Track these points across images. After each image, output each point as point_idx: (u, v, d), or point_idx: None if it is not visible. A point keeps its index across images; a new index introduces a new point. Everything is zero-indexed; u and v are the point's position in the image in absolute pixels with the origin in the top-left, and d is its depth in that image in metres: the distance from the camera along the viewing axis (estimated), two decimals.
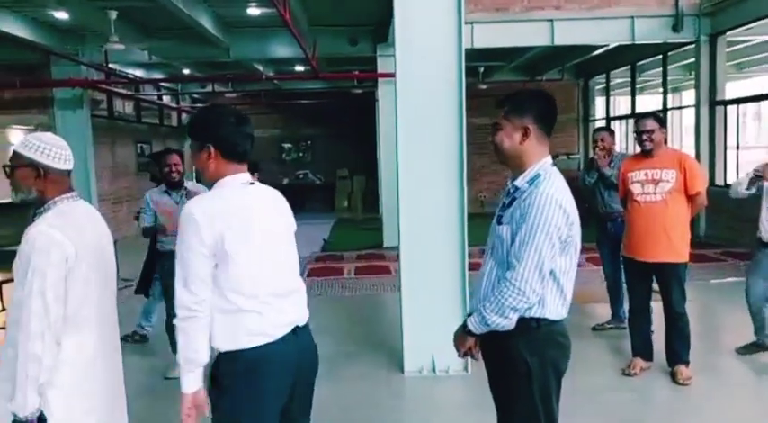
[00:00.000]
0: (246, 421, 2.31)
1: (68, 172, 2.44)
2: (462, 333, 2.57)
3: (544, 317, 2.42)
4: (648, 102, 19.22)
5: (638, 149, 4.79)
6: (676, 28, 10.19)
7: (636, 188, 4.66)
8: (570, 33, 10.38)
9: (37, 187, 2.36)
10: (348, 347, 5.71)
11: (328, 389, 4.83)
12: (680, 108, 13.17)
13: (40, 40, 9.26)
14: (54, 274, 2.21)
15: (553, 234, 2.32)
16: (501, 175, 15.82)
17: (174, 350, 2.49)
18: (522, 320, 2.39)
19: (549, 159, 2.47)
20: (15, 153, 2.37)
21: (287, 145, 19.73)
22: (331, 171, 18.57)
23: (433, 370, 5.05)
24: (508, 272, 2.37)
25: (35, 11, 8.75)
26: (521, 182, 2.46)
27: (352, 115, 18.29)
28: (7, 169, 2.40)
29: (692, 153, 10.43)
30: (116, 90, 12.63)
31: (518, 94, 2.54)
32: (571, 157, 16.93)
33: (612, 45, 11.81)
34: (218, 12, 9.66)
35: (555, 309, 2.44)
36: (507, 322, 2.38)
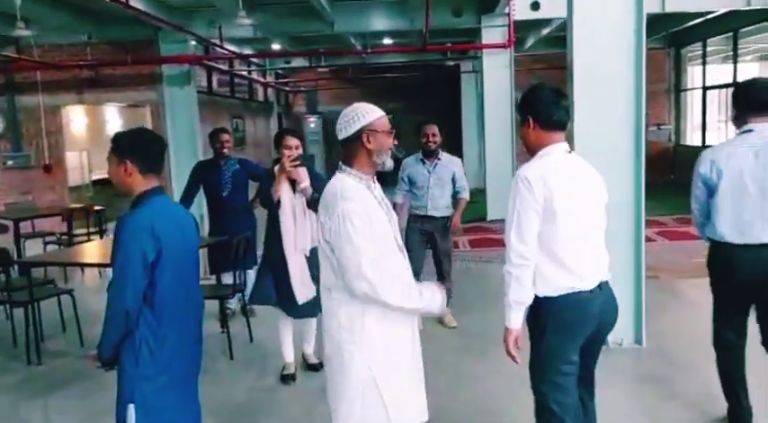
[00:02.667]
0: (556, 356, 2.71)
1: None
2: None
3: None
4: (744, 70, 18.50)
5: None
6: None
7: None
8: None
9: None
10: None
11: (493, 360, 4.83)
12: None
13: (155, 14, 9.35)
14: None
15: None
16: None
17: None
18: None
19: None
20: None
21: None
22: (413, 145, 18.47)
23: (605, 342, 4.99)
24: None
25: None
26: None
27: (433, 89, 18.13)
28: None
29: None
30: (217, 66, 12.80)
31: None
32: (662, 127, 16.51)
33: (721, 11, 11.39)
34: None
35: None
36: None
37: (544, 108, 2.71)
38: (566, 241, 2.62)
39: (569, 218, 2.60)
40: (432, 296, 2.52)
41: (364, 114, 2.48)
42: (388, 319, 2.46)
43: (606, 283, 2.78)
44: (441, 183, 5.51)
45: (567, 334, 2.67)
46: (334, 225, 2.35)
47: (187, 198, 5.93)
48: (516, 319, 2.66)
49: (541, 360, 2.73)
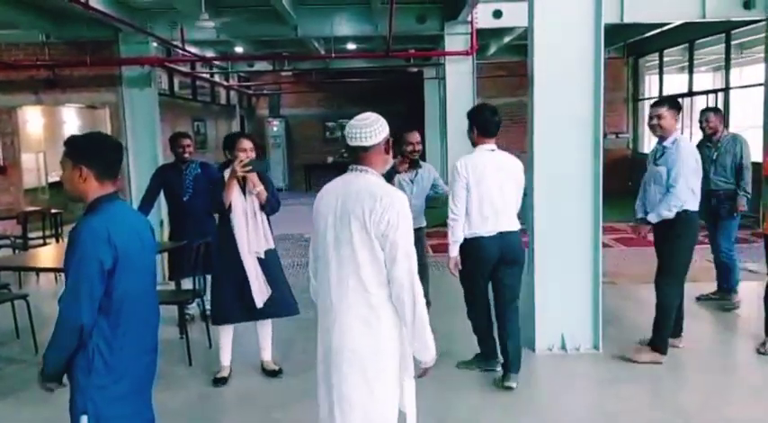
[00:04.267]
0: (469, 276, 4.51)
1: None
2: (640, 224, 4.90)
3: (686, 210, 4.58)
4: (698, 80, 18.93)
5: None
6: (747, 5, 10.07)
7: None
8: (640, 10, 10.29)
9: None
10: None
11: (454, 361, 4.85)
12: (745, 87, 13.00)
13: (115, 15, 9.18)
14: None
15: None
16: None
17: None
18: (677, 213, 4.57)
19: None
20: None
21: (330, 123, 19.68)
22: None
23: (564, 348, 5.07)
24: (672, 188, 4.54)
25: None
26: (667, 143, 4.66)
27: (396, 94, 18.17)
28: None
29: (760, 132, 10.36)
30: (178, 68, 12.61)
31: None
32: (620, 135, 16.82)
33: (677, 23, 11.67)
34: None
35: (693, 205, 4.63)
36: (671, 214, 4.57)
37: (482, 122, 4.33)
38: (476, 205, 4.27)
39: (479, 191, 4.25)
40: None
41: (385, 124, 2.74)
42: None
43: (510, 232, 4.33)
44: (422, 193, 5.20)
45: (473, 260, 4.38)
46: (393, 218, 2.55)
47: (148, 202, 5.84)
48: (453, 251, 4.38)
49: (464, 278, 4.55)
